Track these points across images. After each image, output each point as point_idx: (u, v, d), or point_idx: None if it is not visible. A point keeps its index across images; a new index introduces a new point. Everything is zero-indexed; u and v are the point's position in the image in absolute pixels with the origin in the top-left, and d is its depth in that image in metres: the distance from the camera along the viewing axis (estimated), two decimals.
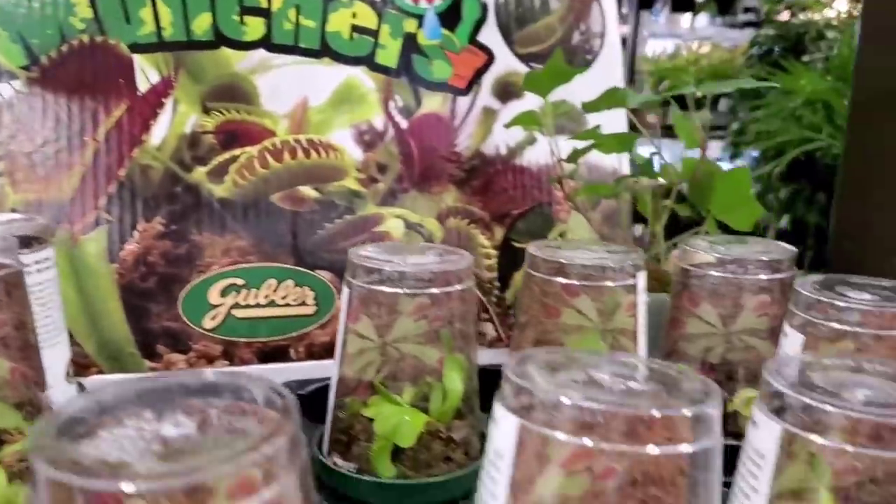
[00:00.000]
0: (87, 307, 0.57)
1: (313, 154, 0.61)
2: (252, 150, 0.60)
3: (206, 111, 0.60)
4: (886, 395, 0.29)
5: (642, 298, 0.47)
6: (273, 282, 0.60)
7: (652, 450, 0.24)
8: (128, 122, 0.58)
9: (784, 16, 2.44)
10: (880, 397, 0.29)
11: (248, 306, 0.60)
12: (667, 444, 0.24)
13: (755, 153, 2.11)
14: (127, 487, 0.19)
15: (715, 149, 2.55)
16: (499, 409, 0.26)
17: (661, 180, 0.58)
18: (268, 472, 0.21)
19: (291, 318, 0.61)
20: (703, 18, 3.93)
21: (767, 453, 0.29)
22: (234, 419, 0.23)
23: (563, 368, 0.28)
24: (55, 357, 0.46)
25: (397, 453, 0.44)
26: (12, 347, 0.34)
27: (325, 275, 0.61)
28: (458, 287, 0.44)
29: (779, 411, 0.29)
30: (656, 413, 0.24)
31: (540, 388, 0.25)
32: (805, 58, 2.25)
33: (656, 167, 0.60)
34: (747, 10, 3.60)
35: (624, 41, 3.43)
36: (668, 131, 0.71)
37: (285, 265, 0.61)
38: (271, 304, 0.60)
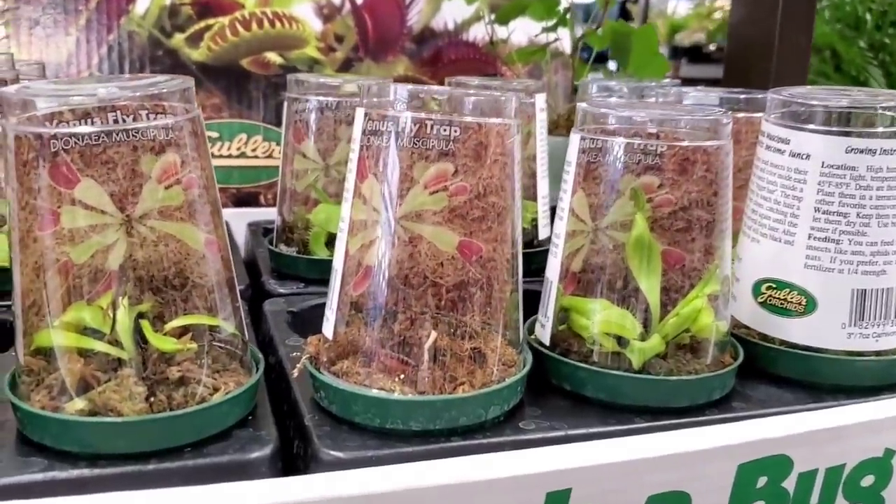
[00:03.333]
0: None
1: (277, 24, 0.70)
2: (224, 20, 0.69)
3: None
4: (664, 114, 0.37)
5: (542, 116, 0.55)
6: (244, 136, 0.69)
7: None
8: None
9: None
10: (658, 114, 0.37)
11: (221, 156, 0.69)
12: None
13: None
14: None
15: None
16: None
17: (579, 32, 0.66)
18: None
19: (260, 169, 0.70)
20: None
21: (572, 158, 0.37)
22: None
23: None
24: None
25: (331, 241, 0.53)
26: None
27: None
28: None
29: (580, 129, 0.37)
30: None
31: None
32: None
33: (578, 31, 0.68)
34: None
35: None
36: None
37: (254, 122, 0.70)
38: (242, 155, 0.69)
